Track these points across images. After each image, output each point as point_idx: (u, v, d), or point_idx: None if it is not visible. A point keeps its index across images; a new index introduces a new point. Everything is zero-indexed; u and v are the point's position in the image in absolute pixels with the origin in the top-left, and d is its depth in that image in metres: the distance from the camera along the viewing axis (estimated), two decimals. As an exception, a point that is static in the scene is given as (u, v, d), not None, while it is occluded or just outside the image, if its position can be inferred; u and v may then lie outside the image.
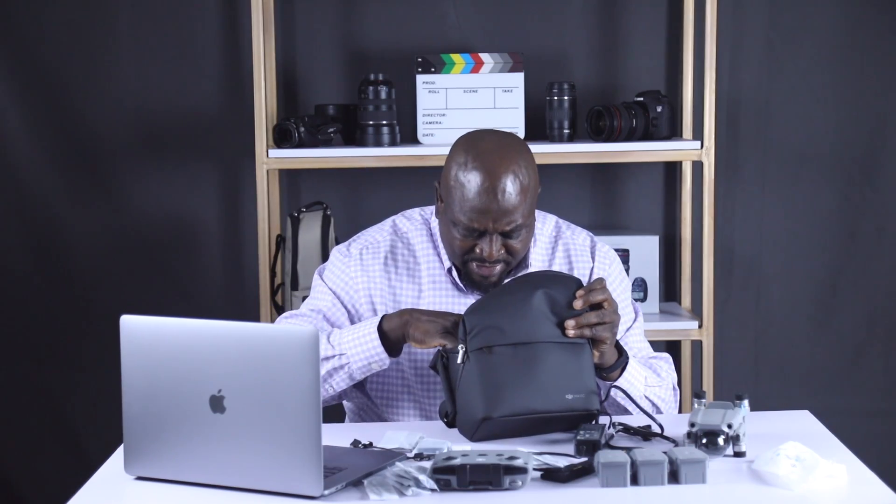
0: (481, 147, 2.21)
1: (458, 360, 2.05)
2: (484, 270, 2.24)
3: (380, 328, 2.17)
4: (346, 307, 2.34)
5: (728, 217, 3.54)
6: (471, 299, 2.29)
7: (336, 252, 2.40)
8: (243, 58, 3.42)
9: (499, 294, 2.12)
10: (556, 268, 2.36)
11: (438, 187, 2.28)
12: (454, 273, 2.31)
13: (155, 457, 1.88)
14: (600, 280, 2.13)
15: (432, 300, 2.33)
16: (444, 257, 2.33)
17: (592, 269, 2.38)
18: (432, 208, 2.40)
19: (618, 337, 2.21)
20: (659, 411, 2.28)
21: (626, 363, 2.20)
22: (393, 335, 2.17)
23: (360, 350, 2.18)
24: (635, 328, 2.39)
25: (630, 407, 2.20)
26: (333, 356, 2.19)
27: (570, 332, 2.07)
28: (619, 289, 2.37)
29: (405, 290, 2.34)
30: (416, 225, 2.38)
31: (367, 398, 2.40)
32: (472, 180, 2.17)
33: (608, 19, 3.49)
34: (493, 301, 2.10)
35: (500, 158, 2.19)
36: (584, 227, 2.51)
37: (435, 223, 2.36)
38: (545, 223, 2.41)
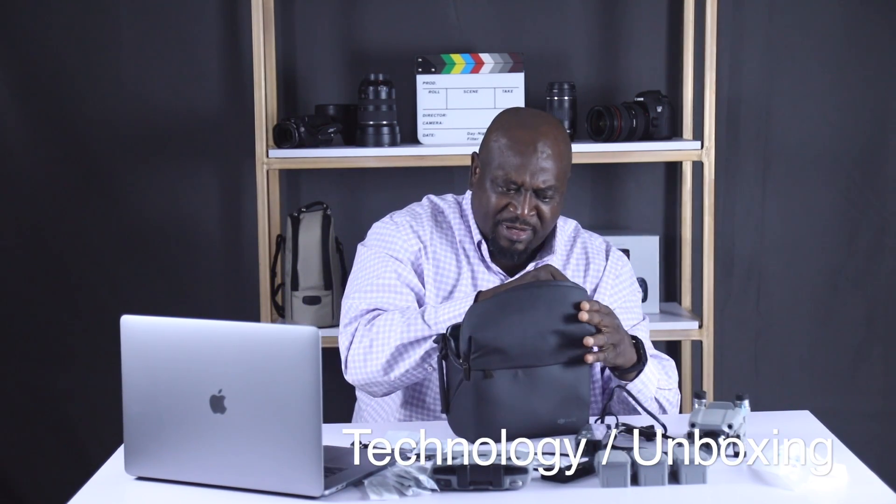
0: (524, 114, 2.45)
1: (460, 377, 2.06)
2: (514, 233, 2.34)
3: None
4: (413, 269, 2.41)
5: (728, 217, 3.53)
6: (495, 277, 2.40)
7: (380, 225, 2.47)
8: (243, 58, 3.42)
9: (508, 311, 2.09)
10: (573, 262, 2.47)
11: (476, 159, 2.42)
12: (483, 247, 2.41)
13: (155, 457, 1.88)
14: (595, 304, 2.15)
15: (467, 270, 2.42)
16: (475, 231, 2.42)
17: (605, 267, 2.49)
18: (462, 196, 2.51)
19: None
20: (664, 411, 2.30)
21: (643, 367, 2.23)
22: None
23: None
24: (641, 326, 2.46)
25: (636, 407, 2.22)
26: (432, 335, 2.21)
27: (590, 358, 2.10)
28: (629, 290, 2.50)
29: (446, 258, 2.43)
30: (450, 203, 2.51)
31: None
32: (513, 137, 2.33)
33: (608, 19, 3.49)
34: (502, 318, 2.08)
35: (542, 123, 2.37)
36: (585, 227, 2.61)
37: (467, 203, 2.47)
38: (566, 223, 2.53)
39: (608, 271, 2.47)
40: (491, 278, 2.41)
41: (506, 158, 2.32)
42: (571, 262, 2.47)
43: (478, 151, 2.43)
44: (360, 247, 2.46)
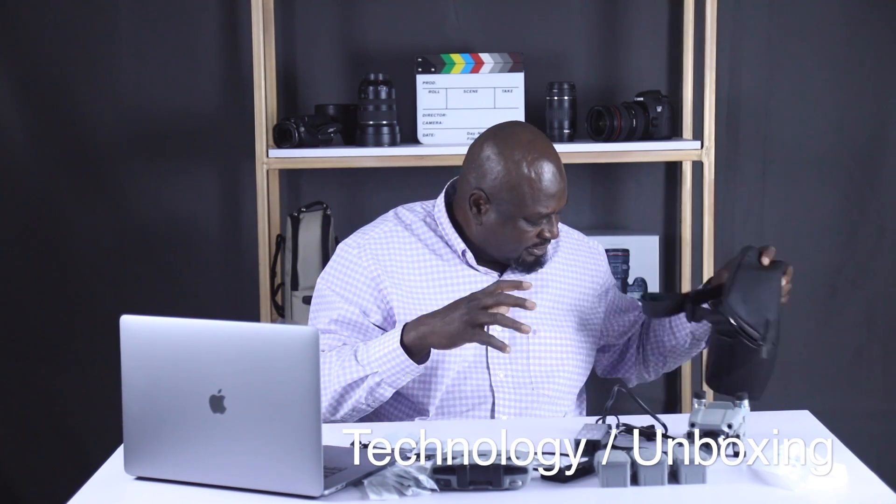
0: (524, 139, 2.33)
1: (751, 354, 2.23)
2: (540, 249, 2.38)
3: (402, 342, 2.22)
4: (373, 304, 2.38)
5: (728, 217, 3.53)
6: (487, 276, 2.40)
7: (336, 259, 2.45)
8: (243, 58, 3.42)
9: (752, 283, 2.36)
10: (555, 250, 2.50)
11: (480, 194, 2.34)
12: (468, 255, 2.40)
13: (155, 457, 1.88)
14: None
15: (450, 280, 2.40)
16: (455, 241, 2.40)
17: (599, 253, 2.59)
18: (433, 202, 2.48)
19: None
20: None
21: None
22: (416, 348, 2.22)
23: (390, 366, 2.22)
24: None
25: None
26: (367, 376, 2.23)
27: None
28: (609, 273, 2.61)
29: (414, 274, 2.40)
30: (419, 215, 2.47)
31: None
32: (539, 170, 2.30)
33: (608, 19, 3.49)
34: (753, 294, 2.32)
35: (545, 143, 2.34)
36: (585, 227, 2.70)
37: (439, 212, 2.44)
38: None
39: (601, 254, 2.58)
40: (484, 279, 2.40)
41: (540, 193, 2.30)
42: (560, 254, 2.50)
43: (479, 187, 2.33)
44: (319, 277, 2.46)
